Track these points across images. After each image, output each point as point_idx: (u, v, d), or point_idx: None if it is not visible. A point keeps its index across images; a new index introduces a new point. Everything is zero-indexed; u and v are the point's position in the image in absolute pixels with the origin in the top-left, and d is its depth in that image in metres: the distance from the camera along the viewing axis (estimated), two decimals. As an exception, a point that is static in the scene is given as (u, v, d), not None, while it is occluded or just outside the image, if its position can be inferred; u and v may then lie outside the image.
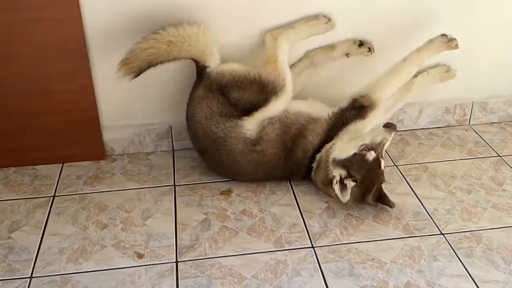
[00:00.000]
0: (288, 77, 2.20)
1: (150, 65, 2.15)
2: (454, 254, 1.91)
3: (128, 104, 2.42)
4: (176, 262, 1.90)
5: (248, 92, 2.17)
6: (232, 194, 2.23)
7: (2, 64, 2.21)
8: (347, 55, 2.39)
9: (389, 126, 2.08)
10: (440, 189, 2.24)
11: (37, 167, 2.41)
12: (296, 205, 2.17)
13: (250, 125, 2.17)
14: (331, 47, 2.38)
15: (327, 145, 2.14)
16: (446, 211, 2.12)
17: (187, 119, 2.30)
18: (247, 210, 2.14)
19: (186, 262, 1.89)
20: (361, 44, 2.37)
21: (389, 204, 2.08)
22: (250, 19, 2.29)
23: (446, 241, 1.96)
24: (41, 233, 2.03)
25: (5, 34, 2.15)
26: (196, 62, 2.22)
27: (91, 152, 2.45)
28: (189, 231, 2.03)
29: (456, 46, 2.24)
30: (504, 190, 2.24)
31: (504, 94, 2.70)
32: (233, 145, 2.17)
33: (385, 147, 2.09)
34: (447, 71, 2.50)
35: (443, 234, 2.00)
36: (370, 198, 2.08)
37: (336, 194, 2.06)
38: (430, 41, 2.24)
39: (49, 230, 2.04)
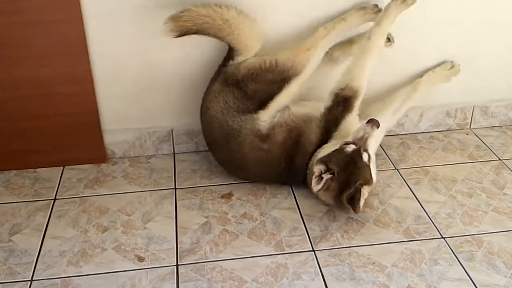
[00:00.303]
0: (309, 69, 2.20)
1: (197, 32, 2.15)
2: (455, 258, 1.91)
3: (129, 107, 2.42)
4: (177, 265, 1.89)
5: (264, 82, 2.18)
6: (233, 198, 2.23)
7: (2, 66, 2.21)
8: None
9: (371, 121, 2.05)
10: (441, 193, 2.24)
11: (38, 170, 2.41)
12: (297, 208, 2.17)
13: (265, 117, 2.18)
14: (350, 42, 2.36)
15: (318, 150, 2.13)
16: (447, 215, 2.12)
17: (201, 112, 2.31)
18: (248, 214, 2.14)
19: (186, 266, 1.89)
20: None
21: (355, 208, 1.98)
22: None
23: (447, 245, 1.96)
24: (42, 236, 2.03)
25: (6, 36, 2.16)
26: (231, 50, 2.23)
27: (92, 155, 2.45)
28: (189, 234, 2.03)
29: (413, 1, 2.16)
30: (505, 194, 2.23)
31: (505, 98, 2.70)
32: (245, 136, 2.17)
33: (368, 142, 2.03)
34: (452, 67, 2.49)
35: (444, 238, 2.00)
36: (345, 195, 2.00)
37: (313, 189, 2.03)
38: (385, 8, 2.17)
39: (49, 233, 2.04)
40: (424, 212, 2.13)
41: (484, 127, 2.73)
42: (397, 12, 2.17)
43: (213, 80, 2.28)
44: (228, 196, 2.24)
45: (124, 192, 2.28)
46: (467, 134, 2.68)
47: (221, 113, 2.21)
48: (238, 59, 2.23)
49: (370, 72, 2.19)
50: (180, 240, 2.00)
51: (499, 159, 2.47)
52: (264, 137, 2.17)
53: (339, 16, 2.27)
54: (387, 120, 2.38)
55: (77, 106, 2.33)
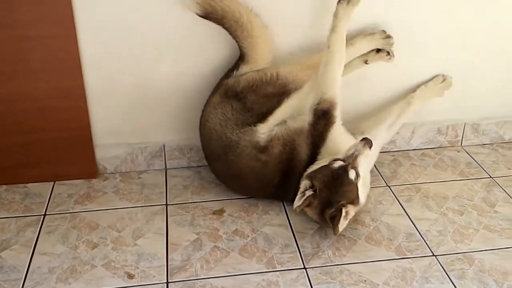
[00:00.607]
0: (311, 84, 2.20)
1: (220, 19, 2.17)
2: (446, 276, 1.90)
3: (121, 122, 2.42)
4: (167, 282, 1.88)
5: (264, 95, 2.19)
6: (225, 214, 2.22)
7: (-5, 81, 2.21)
8: (366, 62, 2.38)
9: (364, 139, 2.03)
10: (432, 210, 2.24)
11: (28, 185, 2.40)
12: (289, 225, 2.16)
13: (264, 129, 2.18)
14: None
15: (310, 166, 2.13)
16: (438, 232, 2.12)
17: (200, 124, 2.31)
18: (239, 230, 2.13)
19: (177, 283, 1.87)
20: (378, 50, 2.36)
21: (333, 229, 1.95)
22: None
23: (438, 263, 1.96)
24: (31, 252, 2.01)
25: (0, 50, 2.16)
26: (240, 57, 2.25)
27: (83, 170, 2.44)
28: (180, 251, 2.02)
29: (356, 2, 2.14)
30: (496, 211, 2.24)
31: (496, 116, 2.72)
32: (244, 147, 2.17)
33: (358, 160, 1.99)
34: (444, 80, 2.50)
35: (435, 256, 2.00)
36: (327, 214, 1.98)
37: (293, 206, 2.01)
38: (335, 14, 2.14)
39: (39, 249, 2.02)
40: (416, 230, 2.13)
41: (475, 145, 2.75)
42: (347, 15, 2.15)
43: (214, 92, 2.29)
44: (220, 212, 2.24)
45: (115, 208, 2.26)
46: (458, 152, 2.69)
47: (219, 126, 2.21)
48: (243, 69, 2.25)
49: (340, 79, 2.17)
50: (171, 257, 1.99)
51: (490, 177, 2.48)
52: (262, 149, 2.16)
53: (348, 41, 2.25)
54: (382, 135, 2.39)
55: (69, 121, 2.33)
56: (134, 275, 1.90)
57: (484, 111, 2.70)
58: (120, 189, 2.39)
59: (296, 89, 2.21)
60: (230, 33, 2.22)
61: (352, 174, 1.98)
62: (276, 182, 2.19)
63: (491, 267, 1.94)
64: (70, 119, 2.32)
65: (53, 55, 2.20)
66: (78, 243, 2.06)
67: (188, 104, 2.39)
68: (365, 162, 2.05)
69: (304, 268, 1.94)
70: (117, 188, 2.40)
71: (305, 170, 2.13)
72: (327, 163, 2.02)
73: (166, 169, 2.54)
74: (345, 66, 2.30)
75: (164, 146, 2.50)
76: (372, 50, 2.36)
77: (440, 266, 1.94)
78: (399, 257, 1.99)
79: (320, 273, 1.91)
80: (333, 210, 1.96)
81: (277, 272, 1.92)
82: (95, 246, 2.04)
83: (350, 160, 1.99)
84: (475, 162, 2.60)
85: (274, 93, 2.21)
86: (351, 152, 2.01)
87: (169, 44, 2.27)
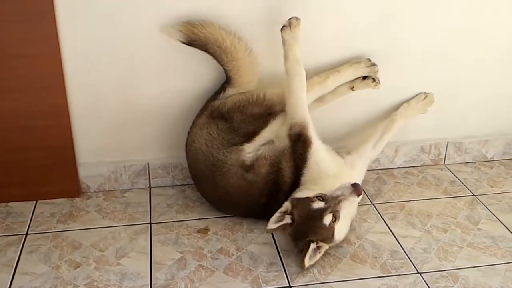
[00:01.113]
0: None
1: (203, 44, 2.19)
2: (431, 293, 1.91)
3: (105, 140, 2.40)
4: (151, 302, 1.86)
5: (250, 115, 2.20)
6: (209, 232, 2.21)
7: (-22, 99, 2.19)
8: (352, 88, 2.41)
9: (355, 186, 1.98)
10: (416, 228, 2.25)
11: (10, 204, 2.37)
12: (274, 243, 2.15)
13: (250, 149, 2.18)
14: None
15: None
16: (423, 250, 2.12)
17: (186, 145, 2.31)
18: (224, 249, 2.12)
19: (161, 302, 1.86)
20: (364, 77, 2.40)
21: (301, 263, 1.96)
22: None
23: (423, 280, 1.96)
24: (12, 271, 1.97)
25: (-18, 69, 2.14)
26: (226, 80, 2.27)
27: (66, 189, 2.42)
28: (164, 270, 2.00)
29: (298, 22, 2.14)
30: (479, 229, 2.25)
31: (478, 135, 2.75)
32: (230, 166, 2.16)
33: (342, 205, 1.96)
34: (426, 97, 2.53)
35: (420, 273, 2.00)
36: (299, 245, 2.00)
37: (267, 225, 1.99)
38: (283, 42, 2.16)
39: (20, 269, 1.99)
40: (400, 247, 2.13)
41: (458, 163, 2.77)
42: (294, 38, 2.16)
43: (200, 114, 2.30)
44: (204, 231, 2.22)
45: (98, 227, 2.24)
46: (442, 170, 2.71)
47: (205, 146, 2.21)
48: (229, 91, 2.26)
49: (305, 101, 2.19)
50: (155, 276, 1.97)
51: (473, 195, 2.50)
52: (248, 168, 2.16)
53: (335, 69, 2.34)
54: (368, 154, 2.40)
55: (53, 140, 2.31)
56: (117, 295, 1.88)
57: (466, 130, 2.73)
58: (103, 208, 2.37)
59: (282, 110, 2.22)
60: (215, 58, 2.24)
61: (327, 219, 1.95)
62: (263, 202, 2.18)
63: (475, 284, 1.94)
64: (53, 137, 2.31)
65: (36, 73, 2.18)
66: (61, 263, 2.03)
67: (173, 122, 2.39)
68: (350, 207, 2.03)
69: (290, 286, 1.93)
70: (100, 207, 2.38)
71: (290, 192, 2.13)
72: (312, 195, 1.99)
73: (150, 187, 2.52)
74: (332, 93, 2.38)
75: (148, 164, 2.49)
76: (359, 77, 2.40)
77: (425, 284, 1.94)
78: (384, 275, 1.99)
79: (305, 292, 1.91)
80: (304, 243, 1.98)
81: (262, 291, 1.91)
82: (77, 265, 2.01)
83: (333, 203, 1.96)
84: (458, 180, 2.62)
85: (260, 113, 2.22)
86: (336, 194, 1.97)
87: (153, 64, 2.28)
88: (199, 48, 2.21)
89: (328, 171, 2.14)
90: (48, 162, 2.34)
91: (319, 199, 1.98)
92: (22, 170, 2.34)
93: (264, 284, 1.93)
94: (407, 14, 2.38)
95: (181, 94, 2.36)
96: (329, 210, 1.95)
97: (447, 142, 2.73)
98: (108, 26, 2.18)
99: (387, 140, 2.46)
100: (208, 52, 2.22)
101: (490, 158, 2.81)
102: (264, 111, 2.22)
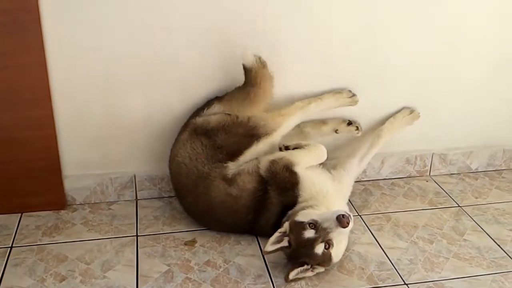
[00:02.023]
0: (279, 133, 2.27)
1: (251, 75, 2.26)
2: (418, 304, 1.92)
3: (91, 153, 2.40)
4: (138, 315, 1.85)
5: (234, 134, 2.21)
6: (196, 245, 2.20)
7: (-38, 111, 2.17)
8: (336, 131, 2.50)
9: (341, 220, 1.92)
10: (403, 239, 2.26)
11: (-6, 217, 2.34)
12: (261, 255, 2.15)
13: (234, 166, 2.19)
14: (322, 121, 2.48)
15: (296, 209, 2.11)
16: (409, 261, 2.13)
17: (169, 161, 2.31)
18: (211, 261, 2.11)
19: (147, 315, 1.84)
20: (349, 123, 2.50)
21: (285, 275, 1.97)
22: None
23: (410, 292, 1.97)
24: (-3, 285, 1.96)
25: (-32, 81, 2.13)
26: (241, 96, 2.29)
27: (52, 201, 2.40)
28: (151, 283, 1.98)
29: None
30: (465, 240, 2.27)
31: (463, 146, 2.78)
32: (213, 180, 2.16)
33: (330, 236, 1.94)
34: (411, 112, 2.57)
35: (406, 284, 2.00)
36: (295, 264, 1.99)
37: (265, 247, 1.99)
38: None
39: (5, 282, 1.97)
40: (387, 258, 2.14)
41: (443, 174, 2.80)
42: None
43: (182, 130, 2.30)
44: (191, 243, 2.21)
45: (84, 240, 2.22)
46: (427, 181, 2.73)
47: (189, 159, 2.21)
48: (216, 108, 2.28)
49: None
50: (141, 289, 1.96)
51: (459, 206, 2.52)
52: (230, 181, 2.16)
53: (317, 96, 2.40)
54: (354, 168, 2.43)
55: (38, 152, 2.29)
56: (103, 308, 1.86)
57: (451, 142, 2.76)
58: (89, 220, 2.35)
59: (266, 133, 2.24)
60: (247, 82, 2.27)
61: (319, 248, 1.94)
62: (250, 218, 2.18)
63: (461, 295, 1.96)
64: (38, 149, 2.29)
65: (22, 85, 2.18)
66: (46, 276, 2.00)
67: (159, 134, 2.39)
68: (342, 234, 2.00)
69: (277, 298, 1.93)
70: (86, 219, 2.36)
71: (283, 210, 2.13)
72: (306, 221, 1.96)
73: (136, 199, 2.51)
74: (316, 130, 2.47)
75: (134, 176, 2.48)
76: (344, 122, 2.49)
77: (412, 295, 1.96)
78: (371, 286, 1.99)
79: (293, 304, 1.90)
80: (298, 264, 1.98)
81: (250, 303, 1.90)
82: (63, 278, 1.99)
83: (323, 234, 1.93)
84: (443, 192, 2.64)
85: (245, 134, 2.23)
86: (325, 225, 1.93)
87: (139, 76, 2.28)
88: (244, 70, 2.26)
89: (323, 188, 2.17)
90: (33, 174, 2.32)
91: (311, 227, 1.94)
92: (7, 182, 2.32)
93: (252, 297, 1.93)
94: (388, 29, 2.42)
95: (167, 107, 2.36)
96: (320, 240, 1.93)
97: (432, 154, 2.75)
98: (94, 38, 2.18)
99: (373, 154, 2.49)
100: (247, 77, 2.26)
101: (475, 170, 2.83)
102: (248, 132, 2.23)
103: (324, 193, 2.15)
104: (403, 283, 2.01)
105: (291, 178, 2.14)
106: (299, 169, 2.16)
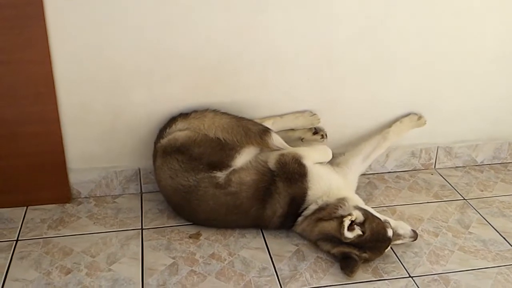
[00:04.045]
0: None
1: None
2: (423, 297, 1.92)
3: (96, 146, 2.40)
4: (143, 308, 1.85)
5: (209, 149, 2.20)
6: (201, 238, 2.21)
7: (-32, 105, 2.18)
8: (301, 139, 2.51)
9: (414, 232, 2.13)
10: (408, 232, 2.26)
11: (0, 210, 2.35)
12: (266, 248, 2.15)
13: (222, 174, 2.18)
14: (291, 130, 2.49)
15: (310, 207, 2.15)
16: (414, 253, 2.13)
17: (159, 188, 2.35)
18: (216, 254, 2.11)
19: (153, 308, 1.85)
20: (315, 132, 2.50)
21: (348, 271, 2.00)
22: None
23: (415, 284, 1.97)
24: (3, 278, 1.96)
25: (-28, 75, 2.13)
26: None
27: (57, 195, 2.41)
28: (156, 276, 1.99)
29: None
30: (470, 232, 2.26)
31: (468, 139, 2.77)
32: (205, 189, 2.16)
33: (397, 241, 2.11)
34: (418, 119, 2.59)
35: (411, 277, 2.00)
36: (351, 253, 2.02)
37: (341, 228, 1.99)
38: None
39: (11, 275, 1.97)
40: (392, 251, 2.13)
41: (448, 167, 2.79)
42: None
43: (154, 159, 2.31)
44: (196, 236, 2.22)
45: (89, 233, 2.23)
46: (432, 174, 2.73)
47: (171, 179, 2.21)
48: (179, 125, 2.27)
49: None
50: (146, 282, 1.96)
51: (464, 199, 2.51)
52: (225, 184, 2.16)
53: (279, 115, 2.46)
54: (357, 166, 2.46)
55: (43, 146, 2.30)
56: (108, 301, 1.87)
57: (456, 135, 2.75)
58: (95, 213, 2.36)
59: (242, 146, 2.23)
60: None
61: (387, 249, 2.07)
62: (254, 211, 2.17)
63: (466, 287, 1.95)
64: (43, 144, 2.30)
65: (26, 80, 2.18)
66: (51, 269, 2.01)
67: (163, 128, 2.39)
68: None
69: (282, 291, 1.93)
70: (91, 212, 2.36)
71: (290, 203, 2.15)
72: (382, 219, 2.06)
73: (141, 193, 2.52)
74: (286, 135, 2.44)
75: (139, 170, 2.48)
76: (310, 131, 2.50)
77: (417, 287, 1.95)
78: (376, 279, 1.99)
79: (297, 296, 1.91)
80: (355, 253, 2.01)
81: (255, 296, 1.91)
82: (68, 271, 2.00)
83: (395, 238, 2.09)
84: (448, 185, 2.63)
85: (221, 146, 2.22)
86: (399, 232, 2.11)
87: (143, 70, 2.27)
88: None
89: (333, 181, 2.21)
90: (39, 168, 2.33)
91: (389, 227, 2.05)
92: (12, 176, 2.32)
93: (257, 289, 1.94)
94: (392, 25, 2.40)
95: (171, 100, 2.35)
96: (392, 241, 2.08)
97: (438, 147, 2.74)
98: (99, 33, 2.18)
99: (376, 155, 2.52)
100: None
101: (480, 163, 2.83)
102: (224, 146, 2.22)
103: (334, 186, 2.18)
104: (408, 275, 2.01)
105: (300, 169, 2.17)
106: (307, 162, 2.20)
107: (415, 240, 2.13)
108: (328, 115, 2.50)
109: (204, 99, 2.35)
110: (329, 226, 2.06)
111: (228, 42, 2.27)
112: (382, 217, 2.09)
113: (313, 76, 2.42)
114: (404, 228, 2.13)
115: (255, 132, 2.23)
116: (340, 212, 2.06)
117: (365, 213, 2.05)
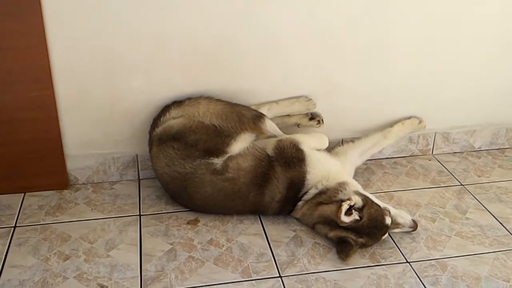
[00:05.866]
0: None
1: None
2: (420, 282, 1.92)
3: (93, 132, 2.39)
4: (141, 293, 1.86)
5: (205, 136, 2.19)
6: (199, 224, 2.21)
7: (-36, 92, 2.16)
8: (298, 125, 2.51)
9: (414, 222, 2.14)
10: (405, 218, 2.27)
11: (-3, 196, 2.35)
12: (264, 234, 2.15)
13: (218, 160, 2.18)
14: (288, 116, 2.49)
15: (310, 191, 2.16)
16: (411, 239, 2.14)
17: (156, 177, 2.35)
18: (214, 240, 2.12)
19: (151, 294, 1.85)
20: (312, 118, 2.50)
21: (343, 255, 2.01)
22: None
23: (412, 269, 1.98)
24: (1, 265, 1.96)
25: (-31, 62, 2.12)
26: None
27: (54, 181, 2.40)
28: (154, 262, 2.00)
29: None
30: (467, 218, 2.27)
31: (466, 125, 2.77)
32: (202, 175, 2.16)
33: (396, 230, 2.12)
34: (420, 122, 2.62)
35: (409, 263, 2.01)
36: (347, 237, 2.03)
37: (338, 212, 2.00)
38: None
39: (9, 262, 1.98)
40: (389, 237, 2.14)
41: (446, 153, 2.79)
42: None
43: (150, 147, 2.31)
44: (194, 222, 2.22)
45: (87, 219, 2.23)
46: (430, 160, 2.73)
47: (167, 167, 2.21)
48: (173, 113, 2.26)
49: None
50: (145, 268, 1.96)
51: (461, 184, 2.52)
52: (222, 170, 2.16)
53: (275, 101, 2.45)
54: (355, 158, 2.49)
55: (40, 132, 2.29)
56: (107, 287, 1.87)
57: (454, 121, 2.75)
58: (92, 200, 2.36)
59: (237, 132, 2.23)
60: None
61: (384, 236, 2.08)
62: (252, 196, 2.18)
63: (463, 272, 1.96)
64: (40, 130, 2.29)
65: (23, 66, 2.16)
66: (50, 255, 2.01)
67: (161, 114, 2.38)
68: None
69: (280, 276, 1.94)
70: (89, 199, 2.36)
71: (289, 187, 2.16)
72: (382, 206, 2.08)
73: (139, 179, 2.51)
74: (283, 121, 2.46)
75: (137, 156, 2.48)
76: (306, 116, 2.50)
77: (414, 273, 1.96)
78: (373, 264, 2.00)
79: (295, 282, 1.91)
80: (351, 237, 2.03)
81: (253, 281, 1.91)
82: (67, 258, 2.01)
83: (393, 226, 2.11)
84: (446, 170, 2.64)
85: (217, 132, 2.21)
86: (399, 221, 2.12)
87: (141, 56, 2.26)
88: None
89: (332, 166, 2.23)
90: (36, 154, 2.32)
91: (387, 214, 2.06)
92: (10, 162, 2.32)
93: (255, 275, 1.94)
94: (390, 11, 2.38)
95: (169, 86, 2.34)
96: (389, 229, 2.09)
97: (435, 133, 2.74)
98: (96, 19, 2.16)
99: (374, 152, 2.56)
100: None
101: (478, 148, 2.83)
102: (219, 133, 2.21)
103: (334, 171, 2.20)
104: (405, 261, 2.02)
105: (298, 154, 2.19)
106: (305, 147, 2.22)
107: (414, 230, 2.14)
108: (326, 101, 2.50)
109: (203, 86, 2.34)
110: (328, 210, 2.06)
111: (227, 29, 2.26)
112: (382, 204, 2.10)
113: (312, 62, 2.40)
114: (404, 218, 2.14)
115: (248, 117, 2.23)
116: (340, 196, 2.07)
117: (365, 198, 2.06)
